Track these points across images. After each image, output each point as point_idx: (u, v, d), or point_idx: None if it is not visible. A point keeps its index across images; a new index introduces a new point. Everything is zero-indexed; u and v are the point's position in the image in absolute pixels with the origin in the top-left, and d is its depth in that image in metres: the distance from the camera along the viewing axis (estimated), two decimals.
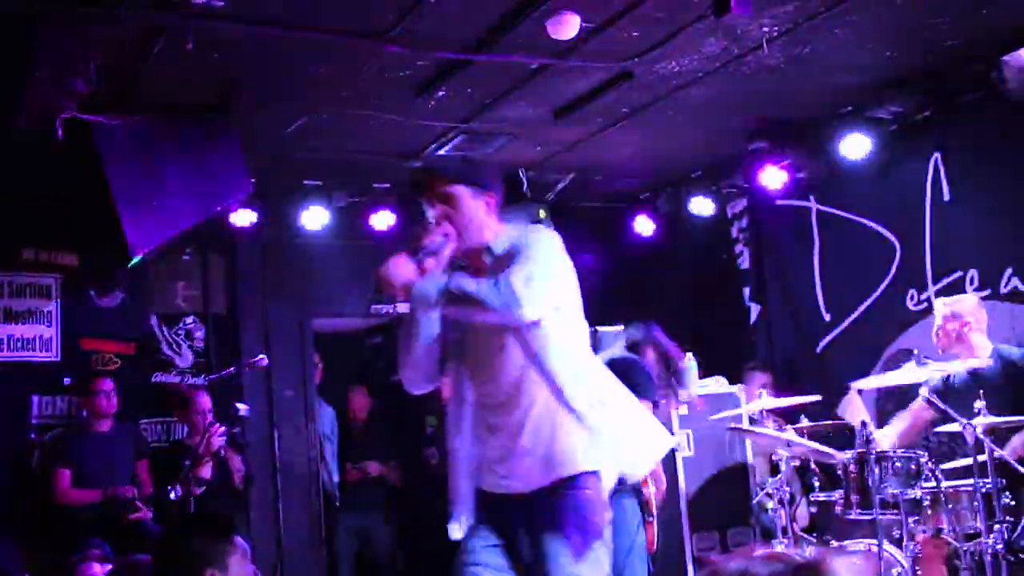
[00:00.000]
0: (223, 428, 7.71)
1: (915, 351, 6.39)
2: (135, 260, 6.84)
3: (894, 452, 6.27)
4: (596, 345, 6.77)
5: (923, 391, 6.65)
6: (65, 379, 8.54)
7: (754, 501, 7.86)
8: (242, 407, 7.70)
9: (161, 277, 9.05)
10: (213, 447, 7.70)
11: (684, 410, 8.02)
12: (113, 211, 6.57)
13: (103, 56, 5.79)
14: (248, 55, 6.27)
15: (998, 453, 5.82)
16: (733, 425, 7.60)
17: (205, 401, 8.10)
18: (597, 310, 5.45)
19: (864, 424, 6.30)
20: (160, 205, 6.71)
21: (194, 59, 5.95)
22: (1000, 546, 5.68)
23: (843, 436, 7.06)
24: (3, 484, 8.21)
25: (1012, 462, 5.88)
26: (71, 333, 8.64)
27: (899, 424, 6.90)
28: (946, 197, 7.88)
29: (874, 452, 6.13)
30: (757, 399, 7.53)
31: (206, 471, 7.73)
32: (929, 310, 7.84)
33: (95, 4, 5.33)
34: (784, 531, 6.83)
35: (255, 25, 5.82)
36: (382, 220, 9.16)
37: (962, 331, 6.65)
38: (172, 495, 7.34)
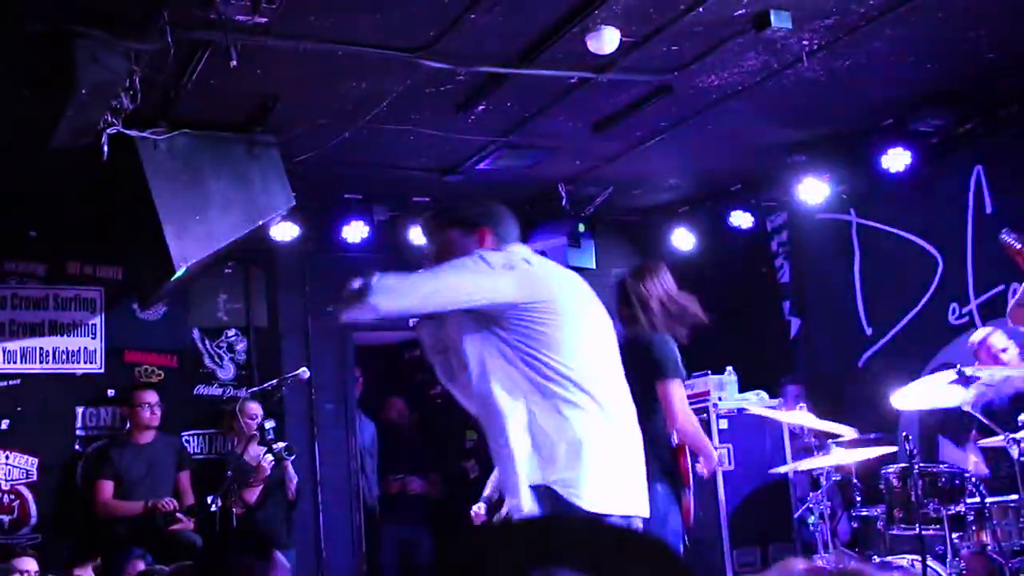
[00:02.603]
0: (267, 452, 7.80)
1: (958, 365, 6.33)
2: (178, 274, 6.90)
3: (938, 467, 6.22)
4: None
5: (966, 406, 6.56)
6: (109, 391, 8.63)
7: (795, 516, 7.81)
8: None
9: (203, 290, 9.12)
10: (265, 472, 7.79)
11: (724, 424, 7.99)
12: (156, 225, 6.64)
13: (147, 72, 5.86)
14: (290, 70, 6.32)
15: None
16: (780, 470, 7.56)
17: (254, 408, 8.15)
18: None
19: (908, 439, 6.26)
20: (203, 219, 6.77)
21: (237, 74, 5.99)
22: None
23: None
24: (49, 494, 8.30)
25: None
26: (115, 345, 8.73)
27: None
28: (988, 210, 7.83)
29: (918, 466, 6.08)
30: (797, 412, 7.48)
31: (252, 496, 7.85)
32: (972, 324, 7.79)
33: (141, 21, 5.39)
34: (826, 546, 6.79)
35: (297, 40, 5.87)
36: (422, 234, 9.19)
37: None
38: (212, 506, 7.41)
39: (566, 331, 3.98)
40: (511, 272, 4.00)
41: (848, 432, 7.06)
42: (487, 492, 7.72)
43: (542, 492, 3.86)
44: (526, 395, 3.94)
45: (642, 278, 5.54)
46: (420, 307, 4.14)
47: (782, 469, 7.51)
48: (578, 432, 3.90)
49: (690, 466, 5.78)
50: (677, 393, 5.50)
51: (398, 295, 4.04)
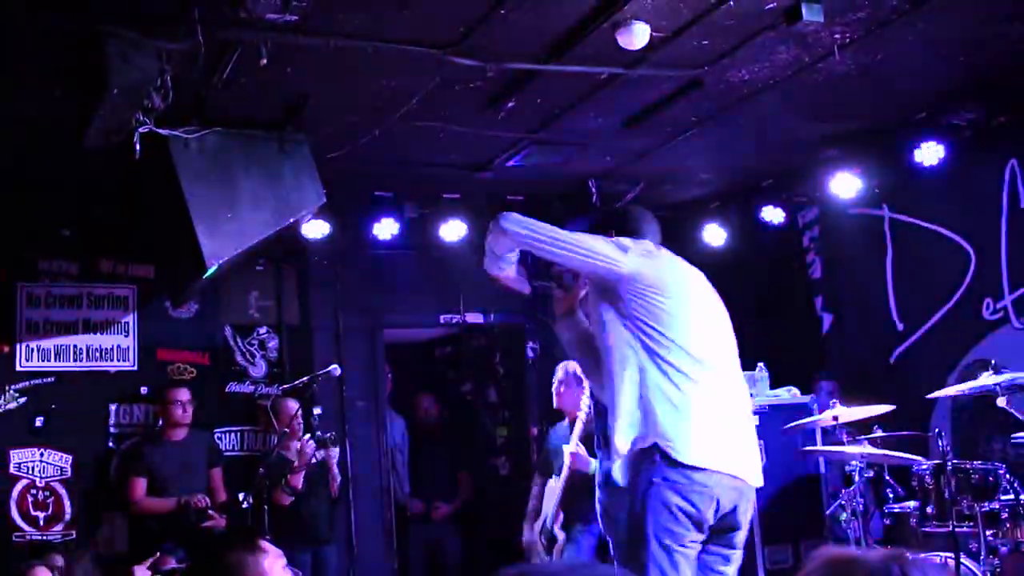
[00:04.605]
0: (311, 439, 7.88)
1: (992, 361, 6.28)
2: (210, 272, 6.93)
3: (971, 464, 6.17)
4: None
5: (1000, 401, 6.52)
6: (142, 388, 8.69)
7: (827, 512, 7.77)
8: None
9: (235, 288, 9.16)
10: (307, 456, 7.86)
11: (756, 420, 7.95)
12: (188, 223, 6.67)
13: (178, 71, 5.88)
14: (320, 68, 6.33)
15: None
16: (806, 448, 7.53)
17: (292, 405, 8.20)
18: None
19: (940, 434, 6.21)
20: (234, 217, 6.80)
21: (267, 73, 6.02)
22: None
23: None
24: (84, 491, 8.36)
25: None
26: (147, 343, 8.79)
27: None
28: (1023, 204, 7.75)
29: (951, 463, 6.04)
30: (830, 408, 7.44)
31: (298, 481, 7.92)
32: (1006, 319, 7.72)
33: (171, 21, 5.41)
34: (858, 543, 6.75)
35: (327, 38, 5.88)
36: (452, 230, 9.19)
37: None
38: (244, 503, 7.45)
39: (678, 310, 4.36)
40: (634, 250, 4.43)
41: (884, 408, 7.05)
42: (533, 505, 7.69)
43: (649, 451, 4.22)
44: (641, 362, 4.30)
45: None
46: (546, 245, 4.39)
47: (811, 449, 7.49)
48: (687, 398, 4.26)
49: None
50: None
51: (526, 225, 4.39)
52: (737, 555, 4.43)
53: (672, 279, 4.46)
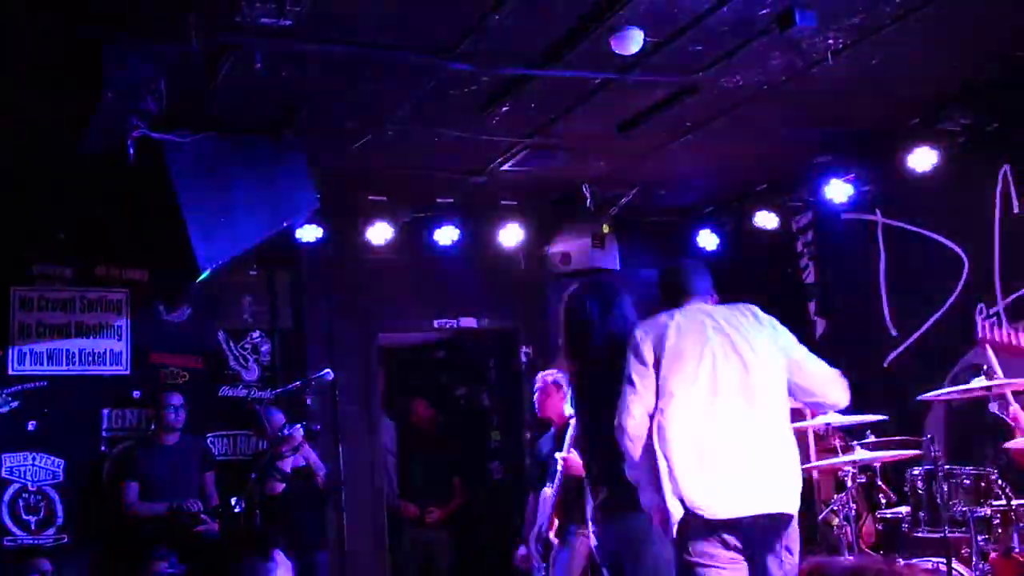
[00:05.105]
0: (298, 425, 7.87)
1: (985, 367, 6.28)
2: (203, 276, 6.93)
3: (963, 469, 6.18)
4: None
5: (992, 407, 6.53)
6: (135, 392, 8.67)
7: (819, 518, 7.76)
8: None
9: (228, 292, 9.16)
10: (295, 442, 7.85)
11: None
12: (182, 227, 6.66)
13: (172, 76, 5.88)
14: (314, 73, 6.33)
15: None
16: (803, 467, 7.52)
17: (279, 418, 8.18)
18: None
19: (932, 440, 6.22)
20: (228, 221, 6.79)
21: (261, 77, 6.02)
22: None
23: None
24: (76, 496, 8.35)
25: None
26: (140, 347, 8.78)
27: None
28: (1016, 209, 7.76)
29: (943, 468, 6.05)
30: (822, 415, 7.43)
31: (287, 464, 7.91)
32: (999, 325, 7.72)
33: (166, 26, 5.41)
34: (850, 548, 6.75)
35: (321, 43, 5.88)
36: (446, 235, 9.20)
37: None
38: (236, 508, 7.44)
39: (673, 364, 4.78)
40: (641, 351, 4.84)
41: (875, 417, 7.06)
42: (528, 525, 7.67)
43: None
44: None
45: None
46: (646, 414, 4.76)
47: (804, 467, 7.49)
48: (700, 445, 4.64)
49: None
50: None
51: (619, 431, 4.77)
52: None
53: (668, 340, 4.83)
